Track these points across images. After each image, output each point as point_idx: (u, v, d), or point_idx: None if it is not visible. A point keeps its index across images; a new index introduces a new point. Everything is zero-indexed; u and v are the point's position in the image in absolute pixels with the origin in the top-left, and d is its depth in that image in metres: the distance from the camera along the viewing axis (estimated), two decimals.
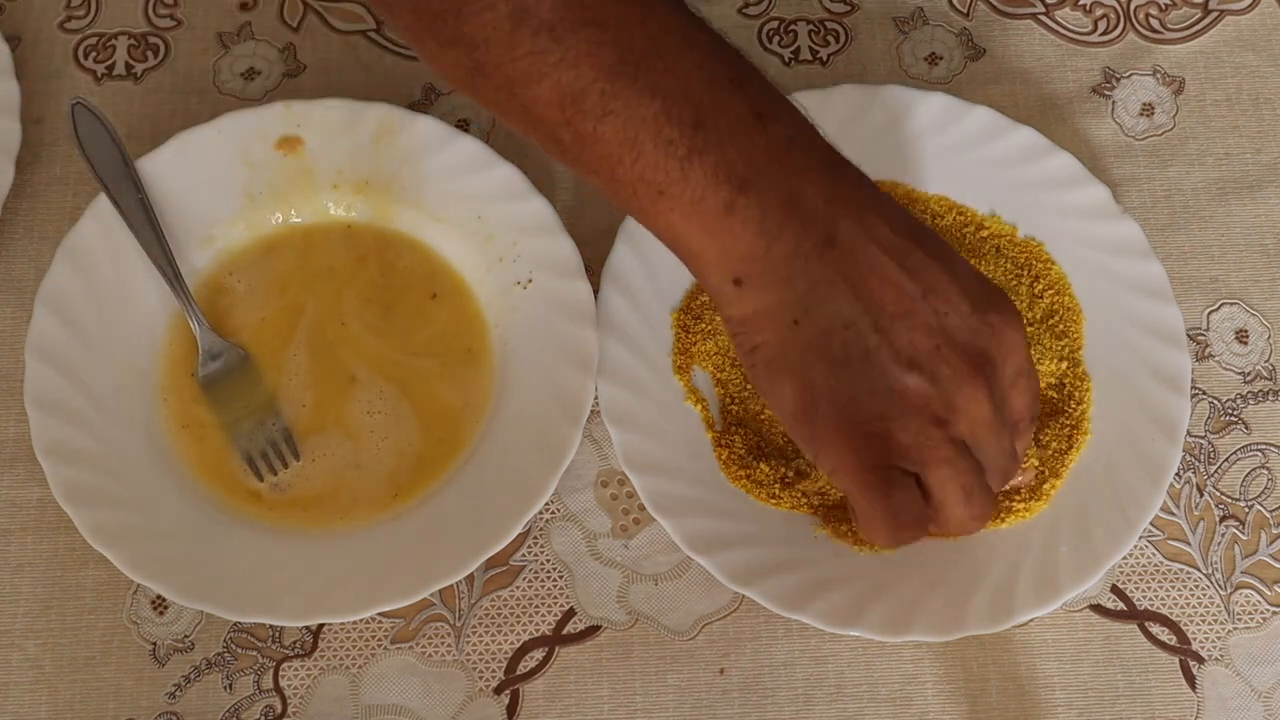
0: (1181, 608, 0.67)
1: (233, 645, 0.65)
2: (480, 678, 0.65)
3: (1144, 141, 0.77)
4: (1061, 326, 0.70)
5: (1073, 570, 0.63)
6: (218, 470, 0.66)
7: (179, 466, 0.66)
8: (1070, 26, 0.80)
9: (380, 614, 0.65)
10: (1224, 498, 0.69)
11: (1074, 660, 0.65)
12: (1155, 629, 0.66)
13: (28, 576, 0.66)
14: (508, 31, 0.52)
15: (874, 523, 0.57)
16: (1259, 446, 0.70)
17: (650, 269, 0.69)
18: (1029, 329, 0.69)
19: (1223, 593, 0.67)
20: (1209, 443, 0.70)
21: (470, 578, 0.66)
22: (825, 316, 0.54)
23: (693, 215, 0.54)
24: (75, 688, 0.64)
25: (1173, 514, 0.68)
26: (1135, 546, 0.67)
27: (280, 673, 0.64)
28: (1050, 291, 0.70)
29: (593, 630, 0.66)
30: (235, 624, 0.65)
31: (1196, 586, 0.67)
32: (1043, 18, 0.80)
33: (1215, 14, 0.80)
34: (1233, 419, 0.71)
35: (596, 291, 0.68)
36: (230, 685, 0.64)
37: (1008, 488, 0.66)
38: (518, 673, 0.65)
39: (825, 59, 0.79)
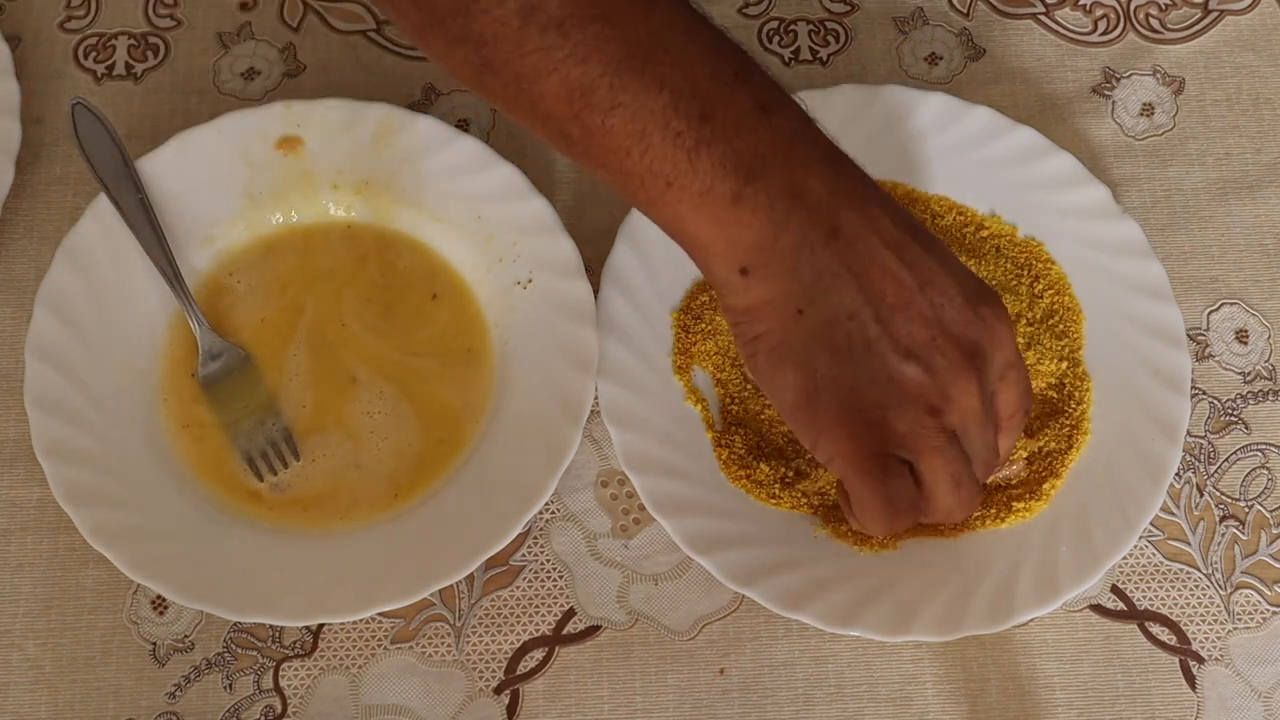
0: (1181, 608, 0.67)
1: (233, 645, 0.65)
2: (480, 678, 0.65)
3: (1144, 141, 0.77)
4: (1061, 326, 0.70)
5: (1073, 570, 0.63)
6: (218, 470, 0.66)
7: (179, 466, 0.66)
8: (1070, 26, 0.80)
9: (380, 614, 0.65)
10: (1224, 498, 0.69)
11: (1074, 660, 0.65)
12: (1155, 629, 0.66)
13: (28, 576, 0.66)
14: (516, 28, 0.52)
15: (870, 509, 0.58)
16: (1259, 446, 0.70)
17: (650, 269, 0.69)
18: (1029, 329, 0.69)
19: (1223, 593, 0.67)
20: (1209, 443, 0.70)
21: (470, 578, 0.66)
22: (830, 307, 0.55)
23: (701, 206, 0.54)
24: (75, 688, 0.64)
25: (1173, 514, 0.68)
26: (1135, 546, 0.67)
27: (280, 673, 0.64)
28: (1050, 291, 0.70)
29: (593, 630, 0.66)
30: (235, 624, 0.65)
31: (1196, 586, 0.67)
32: (1043, 18, 0.80)
33: (1215, 14, 0.80)
34: (1233, 419, 0.71)
35: (596, 291, 0.68)
36: (230, 685, 0.64)
37: (1000, 480, 0.66)
38: (518, 673, 0.65)
39: (825, 59, 0.79)
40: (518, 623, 0.66)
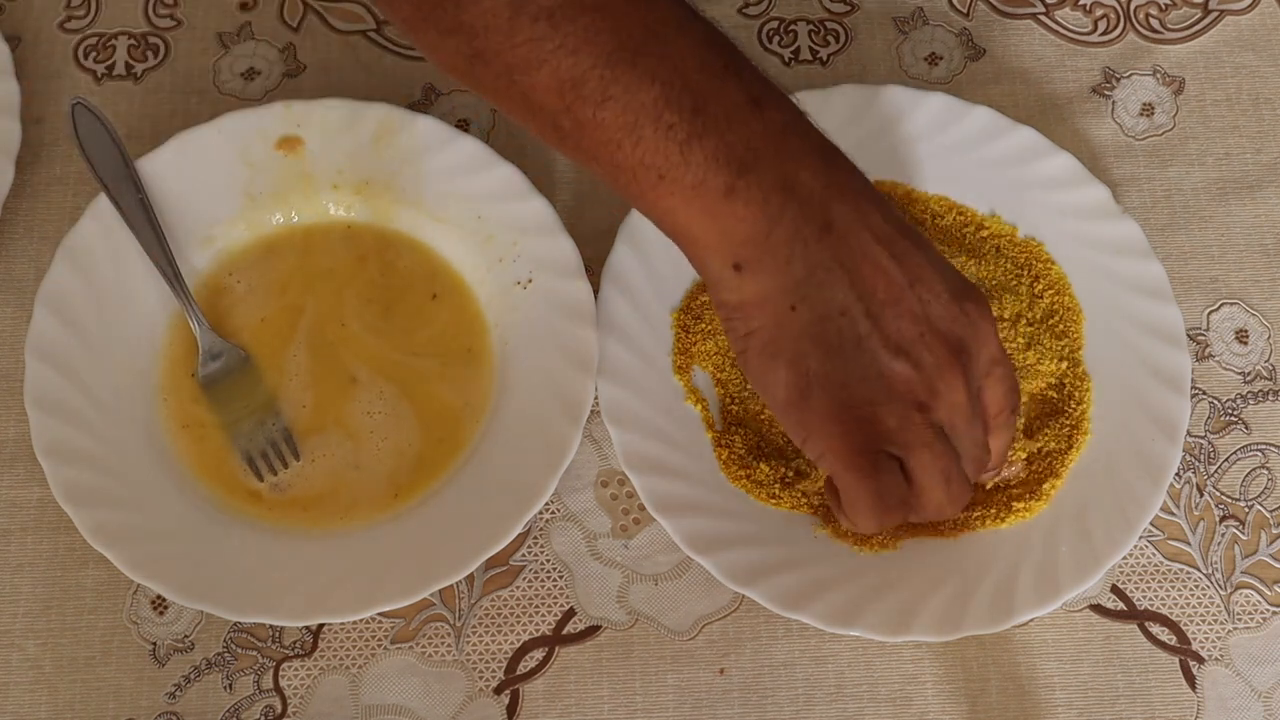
0: (1181, 608, 0.67)
1: (233, 645, 0.65)
2: (480, 678, 0.65)
3: (1144, 141, 0.77)
4: (1061, 326, 0.70)
5: (1073, 570, 0.63)
6: (218, 470, 0.66)
7: (179, 466, 0.66)
8: (1070, 26, 0.80)
9: (380, 614, 0.65)
10: (1224, 498, 0.69)
11: (1074, 660, 0.65)
12: (1155, 629, 0.66)
13: (28, 576, 0.66)
14: (507, 19, 0.52)
15: (860, 505, 0.58)
16: (1259, 446, 0.70)
17: (650, 269, 0.69)
18: (1029, 329, 0.69)
19: (1223, 593, 0.67)
20: (1209, 443, 0.70)
21: (470, 578, 0.66)
22: (823, 302, 0.55)
23: (694, 199, 0.54)
24: (75, 688, 0.64)
25: (1173, 514, 0.68)
26: (1135, 546, 0.67)
27: (280, 673, 0.64)
28: (1050, 291, 0.70)
29: (593, 630, 0.66)
30: (235, 624, 0.65)
31: (1196, 586, 0.67)
32: (1043, 18, 0.80)
33: (1215, 14, 0.80)
34: (1233, 419, 0.71)
35: (596, 291, 0.68)
36: (230, 685, 0.64)
37: (999, 481, 0.66)
38: (518, 673, 0.65)
39: (825, 59, 0.79)
40: (518, 623, 0.66)
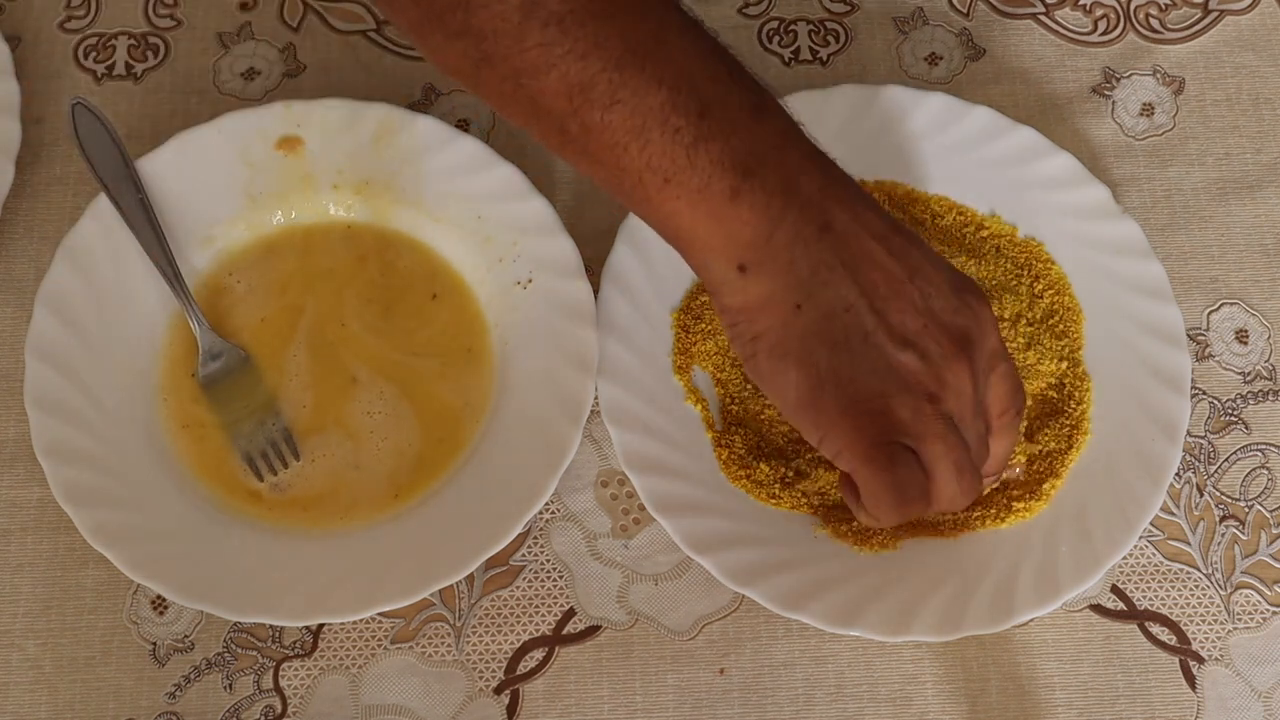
0: (1181, 608, 0.67)
1: (233, 645, 0.65)
2: (480, 678, 0.65)
3: (1144, 141, 0.77)
4: (1061, 326, 0.70)
5: (1073, 570, 0.63)
6: (218, 470, 0.66)
7: (179, 466, 0.66)
8: (1070, 26, 0.80)
9: (380, 614, 0.65)
10: (1224, 498, 0.69)
11: (1074, 660, 0.65)
12: (1155, 629, 0.66)
13: (28, 576, 0.66)
14: (517, 23, 0.53)
15: (880, 498, 0.58)
16: (1259, 446, 0.70)
17: (650, 269, 0.69)
18: (1029, 329, 0.69)
19: (1223, 593, 0.67)
20: (1209, 443, 0.70)
21: (470, 578, 0.66)
22: (827, 300, 0.56)
23: (699, 202, 0.55)
24: (75, 688, 0.64)
25: (1173, 514, 0.68)
26: (1135, 546, 0.67)
27: (280, 673, 0.64)
28: (1050, 291, 0.70)
29: (593, 630, 0.66)
30: (235, 624, 0.65)
31: (1196, 586, 0.67)
32: (1043, 18, 0.80)
33: (1215, 14, 0.80)
34: (1233, 419, 0.71)
35: (596, 291, 0.68)
36: (230, 685, 0.64)
37: (999, 484, 0.66)
38: (518, 673, 0.65)
39: (825, 59, 0.79)
40: (518, 623, 0.66)
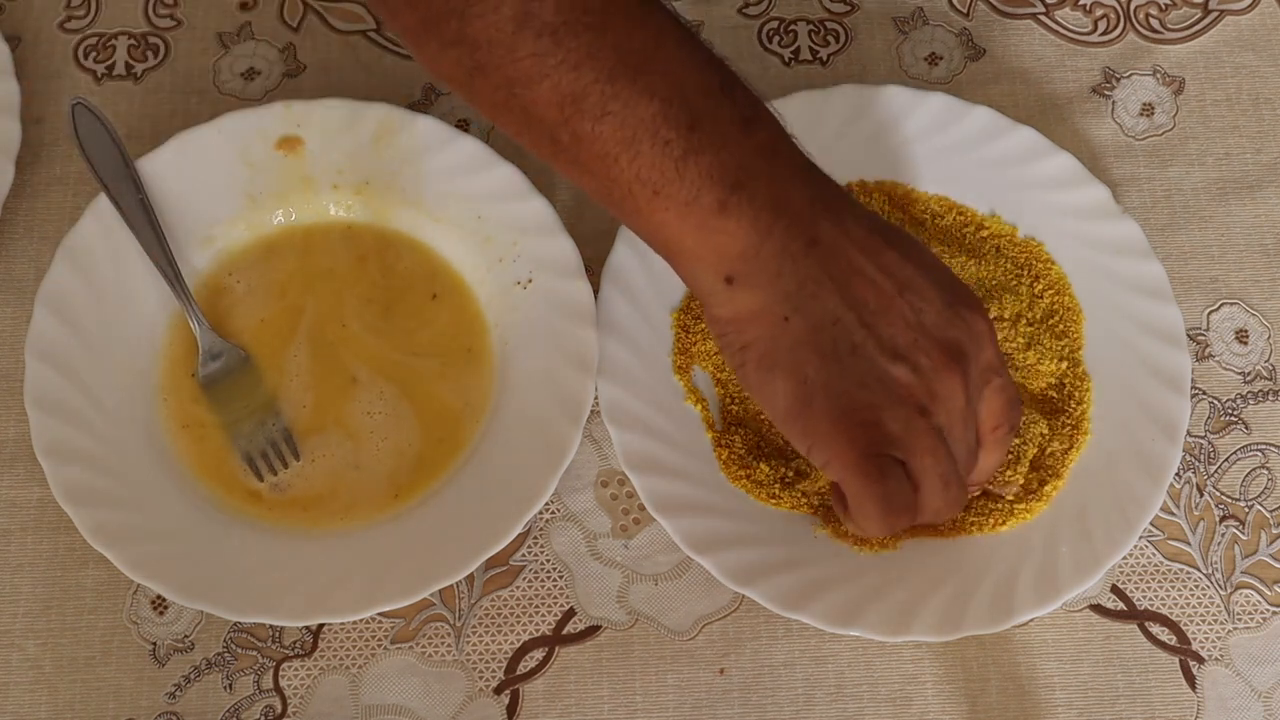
0: (1181, 608, 0.67)
1: (233, 645, 0.65)
2: (480, 678, 0.65)
3: (1144, 141, 0.77)
4: (1061, 326, 0.70)
5: (1073, 570, 0.63)
6: (218, 470, 0.66)
7: (179, 466, 0.66)
8: (1070, 26, 0.80)
9: (380, 614, 0.65)
10: (1224, 498, 0.69)
11: (1074, 660, 0.65)
12: (1155, 629, 0.66)
13: (28, 576, 0.66)
14: (511, 33, 0.53)
15: (868, 510, 0.58)
16: (1259, 446, 0.70)
17: (650, 269, 0.69)
18: (1029, 329, 0.69)
19: (1223, 593, 0.67)
20: (1209, 443, 0.70)
21: (470, 578, 0.66)
22: (815, 313, 0.56)
23: (688, 214, 0.55)
24: (75, 688, 0.64)
25: (1173, 514, 0.68)
26: (1135, 546, 0.67)
27: (280, 673, 0.64)
28: (1050, 291, 0.70)
29: (593, 630, 0.66)
30: (235, 624, 0.65)
31: (1196, 586, 0.67)
32: (1043, 18, 0.80)
33: (1215, 14, 0.80)
34: (1233, 419, 0.71)
35: (596, 291, 0.68)
36: (230, 685, 0.64)
37: (996, 492, 0.66)
38: (518, 673, 0.65)
39: (825, 59, 0.79)
40: (518, 623, 0.66)
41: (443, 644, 0.65)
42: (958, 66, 0.79)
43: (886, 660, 0.65)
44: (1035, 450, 0.67)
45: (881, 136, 0.73)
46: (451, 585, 0.65)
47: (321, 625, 0.65)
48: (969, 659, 0.65)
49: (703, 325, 0.69)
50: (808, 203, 0.56)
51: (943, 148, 0.73)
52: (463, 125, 0.75)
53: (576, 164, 0.56)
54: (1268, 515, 0.69)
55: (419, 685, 0.64)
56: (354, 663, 0.65)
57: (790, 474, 0.66)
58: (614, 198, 0.56)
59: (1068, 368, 0.69)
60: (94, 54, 0.77)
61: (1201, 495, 0.69)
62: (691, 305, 0.69)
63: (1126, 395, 0.68)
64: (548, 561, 0.67)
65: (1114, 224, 0.71)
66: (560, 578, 0.66)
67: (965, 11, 0.80)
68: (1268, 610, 0.67)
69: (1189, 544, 0.68)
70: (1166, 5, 0.81)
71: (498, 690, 0.64)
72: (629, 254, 0.69)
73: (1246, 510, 0.69)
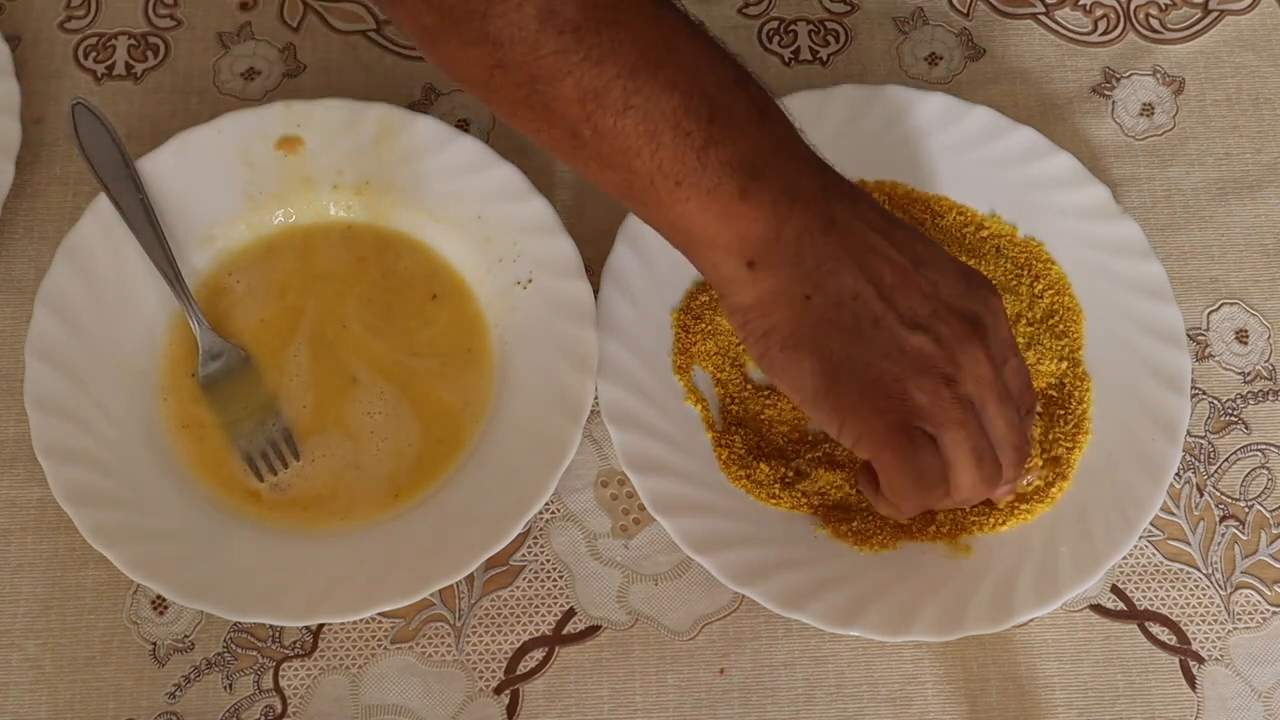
0: (1181, 608, 0.67)
1: (233, 645, 0.65)
2: (480, 678, 0.65)
3: (1144, 141, 0.77)
4: (1061, 326, 0.70)
5: (1073, 570, 0.63)
6: (218, 470, 0.66)
7: (179, 466, 0.66)
8: (1070, 26, 0.80)
9: (380, 614, 0.65)
10: (1224, 498, 0.69)
11: (1074, 660, 0.65)
12: (1155, 629, 0.66)
13: (28, 576, 0.66)
14: (534, 31, 0.53)
15: (901, 484, 0.58)
16: (1259, 446, 0.70)
17: (650, 269, 0.69)
18: (1029, 329, 0.69)
19: (1223, 593, 0.67)
20: (1209, 443, 0.70)
21: (470, 578, 0.66)
22: (834, 290, 0.57)
23: (710, 203, 0.56)
24: (75, 688, 0.64)
25: (1173, 514, 0.68)
26: (1135, 546, 0.67)
27: (280, 673, 0.64)
28: (1050, 291, 0.70)
29: (593, 630, 0.66)
30: (235, 624, 0.65)
31: (1196, 586, 0.67)
32: (1043, 18, 0.80)
33: (1215, 14, 0.80)
34: (1233, 419, 0.71)
35: (596, 291, 0.68)
36: (230, 685, 0.64)
37: (1013, 495, 0.66)
38: (518, 673, 0.65)
39: (825, 59, 0.79)
40: (518, 623, 0.66)
41: (443, 644, 0.65)
42: (958, 66, 0.79)
43: (886, 660, 0.65)
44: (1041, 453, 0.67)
45: (881, 136, 0.73)
46: (451, 585, 0.65)
47: (321, 625, 0.65)
48: (969, 659, 0.65)
49: (703, 325, 0.69)
50: (821, 189, 0.57)
51: (943, 148, 0.73)
52: (463, 125, 0.76)
53: (597, 159, 0.56)
54: (1268, 515, 0.69)
55: (419, 685, 0.64)
56: (354, 663, 0.65)
57: (790, 474, 0.66)
58: (634, 190, 0.56)
59: (1068, 368, 0.69)
60: (94, 54, 0.77)
61: (1201, 495, 0.69)
62: (691, 305, 0.69)
63: (1126, 395, 0.68)
64: (548, 561, 0.67)
65: (1114, 224, 0.71)
66: (560, 578, 0.66)
67: (965, 11, 0.80)
68: (1268, 610, 0.67)
69: (1189, 544, 0.68)
70: (1166, 5, 0.81)
71: (498, 690, 0.64)
72: (629, 254, 0.69)
73: (1246, 510, 0.69)
